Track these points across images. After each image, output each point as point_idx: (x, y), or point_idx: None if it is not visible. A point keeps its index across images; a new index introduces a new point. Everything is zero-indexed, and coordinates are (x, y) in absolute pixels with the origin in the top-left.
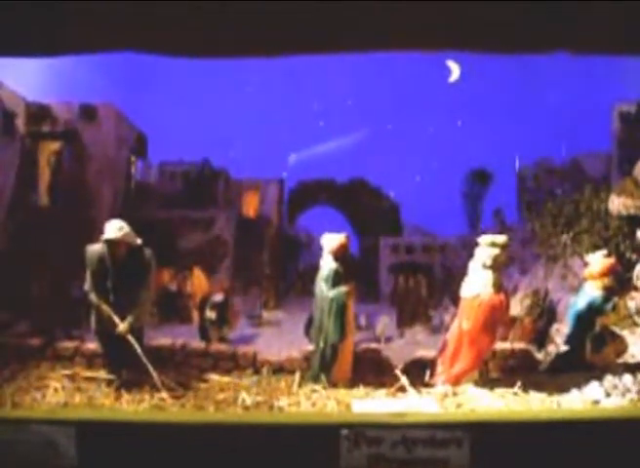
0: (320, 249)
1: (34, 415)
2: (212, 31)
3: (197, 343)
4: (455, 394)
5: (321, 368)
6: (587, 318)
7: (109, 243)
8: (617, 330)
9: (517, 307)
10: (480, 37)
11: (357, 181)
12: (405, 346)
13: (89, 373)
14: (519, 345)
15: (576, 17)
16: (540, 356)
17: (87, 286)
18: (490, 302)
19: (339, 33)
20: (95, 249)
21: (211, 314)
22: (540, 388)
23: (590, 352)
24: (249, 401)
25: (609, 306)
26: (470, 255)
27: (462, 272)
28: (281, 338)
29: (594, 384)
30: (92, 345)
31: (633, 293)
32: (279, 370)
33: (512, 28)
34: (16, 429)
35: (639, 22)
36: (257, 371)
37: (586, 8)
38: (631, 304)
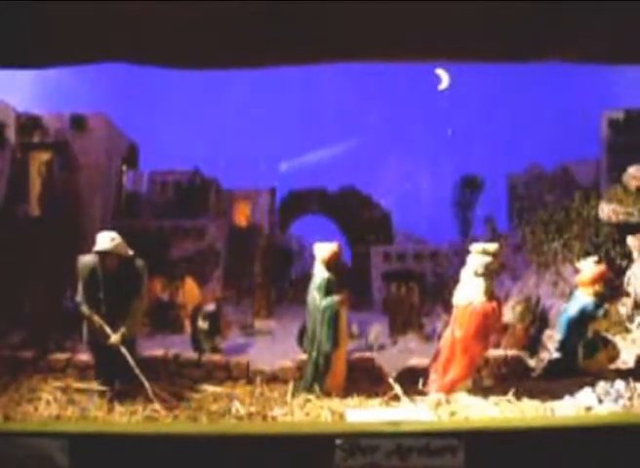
0: (312, 257)
1: (26, 428)
2: (202, 43)
3: (190, 354)
4: (448, 402)
5: (314, 377)
6: (579, 324)
7: (101, 254)
8: (608, 336)
9: (509, 314)
10: (470, 47)
11: (348, 190)
12: (398, 354)
13: (81, 385)
14: (512, 352)
15: (565, 27)
16: (532, 363)
17: (79, 297)
18: (482, 310)
19: (329, 44)
20: (86, 260)
21: (203, 324)
22: (533, 395)
23: (582, 358)
24: (242, 411)
25: (600, 312)
26: (462, 263)
27: (454, 280)
28: (274, 348)
29: (587, 390)
30: (84, 357)
31: (624, 299)
32: (272, 379)
33: (502, 38)
34: (8, 442)
35: (627, 33)
36: (250, 381)
37: (575, 18)
38: (623, 310)
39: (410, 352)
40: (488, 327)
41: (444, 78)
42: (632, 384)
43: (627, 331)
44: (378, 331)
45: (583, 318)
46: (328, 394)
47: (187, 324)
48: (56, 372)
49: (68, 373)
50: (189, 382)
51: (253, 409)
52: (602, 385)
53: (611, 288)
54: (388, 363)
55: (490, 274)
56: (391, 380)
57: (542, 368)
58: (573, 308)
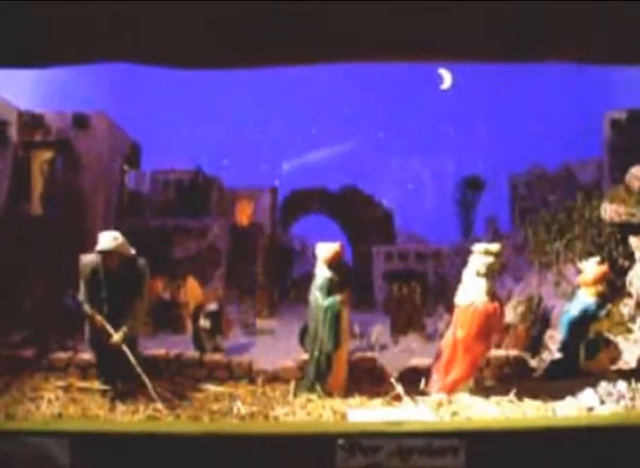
0: (314, 257)
1: (28, 427)
2: (202, 43)
3: (192, 353)
4: (450, 402)
5: (316, 377)
6: (581, 325)
7: (103, 253)
8: (610, 336)
9: (511, 314)
10: (471, 47)
11: (350, 189)
12: (399, 354)
13: (83, 384)
14: (513, 352)
15: (566, 27)
16: (534, 363)
17: (81, 296)
18: (484, 310)
19: (329, 44)
20: (88, 259)
21: (205, 323)
22: (534, 395)
23: (584, 359)
24: (244, 411)
25: (602, 313)
26: (464, 263)
27: (456, 280)
28: (276, 347)
29: (588, 391)
30: (86, 356)
31: (626, 300)
32: (274, 379)
33: (503, 38)
34: (9, 441)
35: (628, 33)
36: (252, 381)
37: (576, 18)
38: (624, 311)
39: (411, 352)
40: (490, 327)
41: (446, 78)
42: (634, 385)
43: (629, 331)
44: (379, 330)
45: (585, 318)
46: (330, 394)
47: (189, 323)
48: (58, 371)
49: (70, 372)
50: (191, 382)
51: (254, 408)
52: (604, 386)
53: (613, 288)
54: (390, 363)
55: (492, 274)
56: (393, 380)
57: (544, 368)
58: (575, 308)
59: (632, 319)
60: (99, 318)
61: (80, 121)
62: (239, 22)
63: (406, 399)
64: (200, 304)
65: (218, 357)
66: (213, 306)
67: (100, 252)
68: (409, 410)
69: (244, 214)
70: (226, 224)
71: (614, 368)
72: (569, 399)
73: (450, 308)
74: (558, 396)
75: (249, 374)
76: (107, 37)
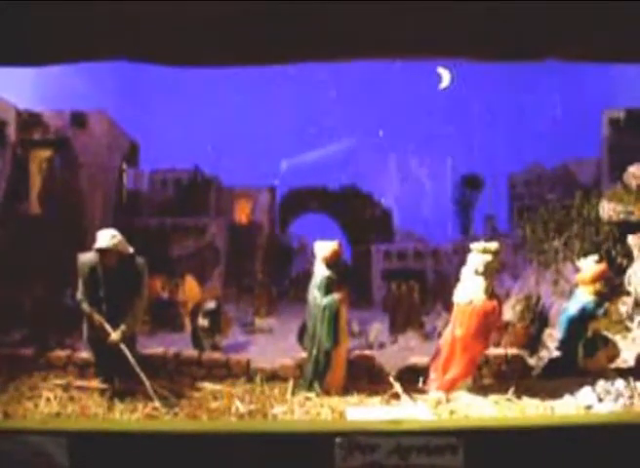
0: (312, 255)
1: (27, 426)
2: (202, 42)
3: (190, 352)
4: (448, 401)
5: (314, 375)
6: (579, 323)
7: (101, 252)
8: (609, 335)
9: (509, 313)
10: (470, 46)
11: (349, 188)
12: (398, 353)
13: (81, 383)
14: (512, 351)
15: (566, 26)
16: (532, 361)
17: (79, 294)
18: (483, 308)
19: (329, 42)
20: (87, 257)
21: (203, 322)
22: (533, 394)
23: (583, 357)
24: (242, 409)
25: (601, 311)
26: (462, 261)
27: (455, 278)
28: (274, 346)
29: (587, 389)
30: (84, 354)
31: (624, 298)
32: (272, 377)
33: (503, 38)
34: (8, 440)
35: (627, 32)
36: (250, 379)
37: (576, 17)
38: (623, 309)
39: (410, 350)
40: (488, 325)
41: (445, 77)
42: (632, 383)
43: (628, 329)
44: (378, 329)
45: (584, 317)
46: (328, 392)
47: (188, 322)
48: (56, 370)
49: (69, 371)
50: (189, 380)
51: (253, 406)
52: (602, 384)
53: (611, 287)
54: (388, 361)
55: (490, 273)
56: (391, 379)
57: (543, 366)
58: (573, 307)
59: (630, 317)
60: (97, 316)
61: (78, 119)
62: (239, 22)
63: (404, 397)
64: (198, 303)
65: (216, 355)
66: (211, 305)
67: (99, 250)
68: (407, 409)
69: (243, 213)
70: (225, 223)
71: (612, 366)
72: (567, 397)
73: (448, 307)
74: (556, 394)
75: (247, 373)
76: (107, 36)
